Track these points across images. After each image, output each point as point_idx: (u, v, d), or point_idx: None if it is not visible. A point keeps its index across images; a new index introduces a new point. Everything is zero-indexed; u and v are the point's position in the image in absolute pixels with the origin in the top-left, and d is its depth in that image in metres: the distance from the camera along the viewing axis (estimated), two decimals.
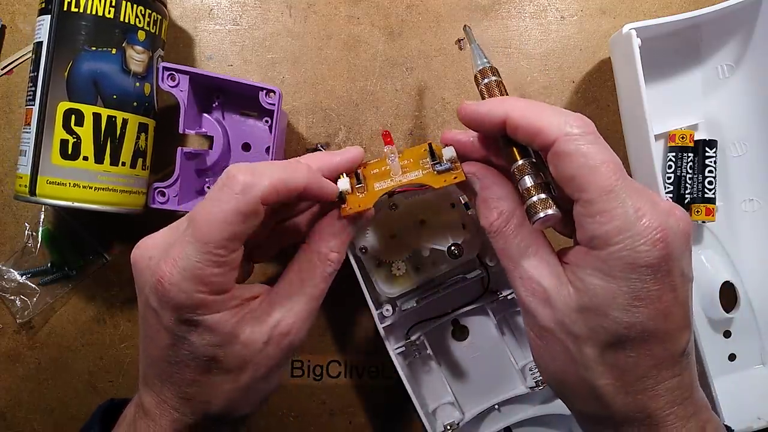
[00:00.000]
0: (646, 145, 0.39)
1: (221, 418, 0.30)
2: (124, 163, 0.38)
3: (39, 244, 0.44)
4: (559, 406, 0.43)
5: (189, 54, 0.45)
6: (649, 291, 0.25)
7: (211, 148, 0.42)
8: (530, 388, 0.42)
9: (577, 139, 0.26)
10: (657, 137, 0.45)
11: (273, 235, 0.33)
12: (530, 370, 0.43)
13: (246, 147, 0.43)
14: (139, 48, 0.38)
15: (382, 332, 0.39)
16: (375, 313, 0.39)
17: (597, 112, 0.46)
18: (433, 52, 0.46)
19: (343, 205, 0.31)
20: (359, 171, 0.31)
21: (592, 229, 0.25)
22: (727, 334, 0.46)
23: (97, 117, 0.37)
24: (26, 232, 0.44)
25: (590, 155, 0.26)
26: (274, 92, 0.39)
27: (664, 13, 0.46)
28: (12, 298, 0.44)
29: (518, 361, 0.43)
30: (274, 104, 0.39)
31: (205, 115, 0.42)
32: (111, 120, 0.37)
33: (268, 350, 0.29)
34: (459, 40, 0.45)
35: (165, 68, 0.39)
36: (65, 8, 0.37)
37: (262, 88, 0.39)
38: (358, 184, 0.31)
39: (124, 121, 0.38)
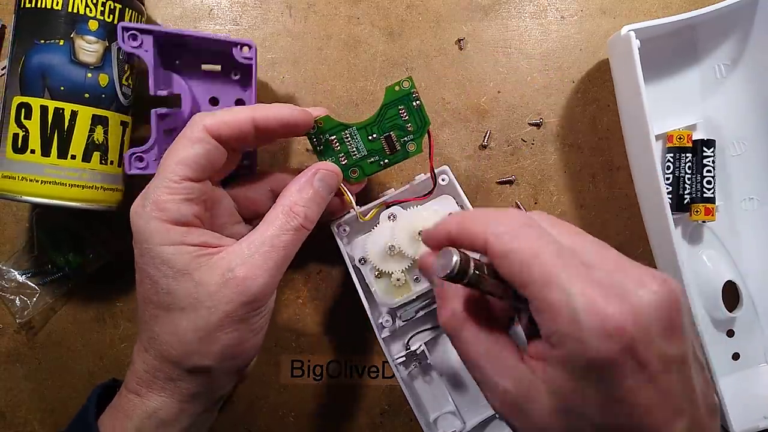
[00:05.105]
0: (647, 148, 0.39)
1: (179, 363, 0.30)
2: (74, 156, 0.37)
3: (39, 244, 0.44)
4: None
5: None
6: (620, 389, 0.22)
7: (180, 106, 0.39)
8: None
9: (502, 236, 0.25)
10: (656, 138, 0.45)
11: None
12: None
13: (213, 101, 0.41)
14: (90, 38, 0.37)
15: (381, 343, 0.39)
16: (375, 323, 0.39)
17: (597, 112, 0.46)
18: (433, 52, 0.46)
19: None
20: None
21: (545, 327, 0.24)
22: (730, 334, 0.46)
23: (44, 109, 0.36)
24: (26, 232, 0.44)
25: (520, 250, 0.24)
26: (249, 46, 0.38)
27: (663, 14, 0.46)
28: (12, 298, 0.44)
29: None
30: (251, 59, 0.38)
31: (173, 73, 0.40)
32: (58, 112, 0.37)
33: (223, 293, 0.29)
34: (459, 40, 0.46)
35: (125, 28, 0.37)
36: (23, 5, 0.37)
37: (236, 43, 0.38)
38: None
39: (73, 113, 0.37)
